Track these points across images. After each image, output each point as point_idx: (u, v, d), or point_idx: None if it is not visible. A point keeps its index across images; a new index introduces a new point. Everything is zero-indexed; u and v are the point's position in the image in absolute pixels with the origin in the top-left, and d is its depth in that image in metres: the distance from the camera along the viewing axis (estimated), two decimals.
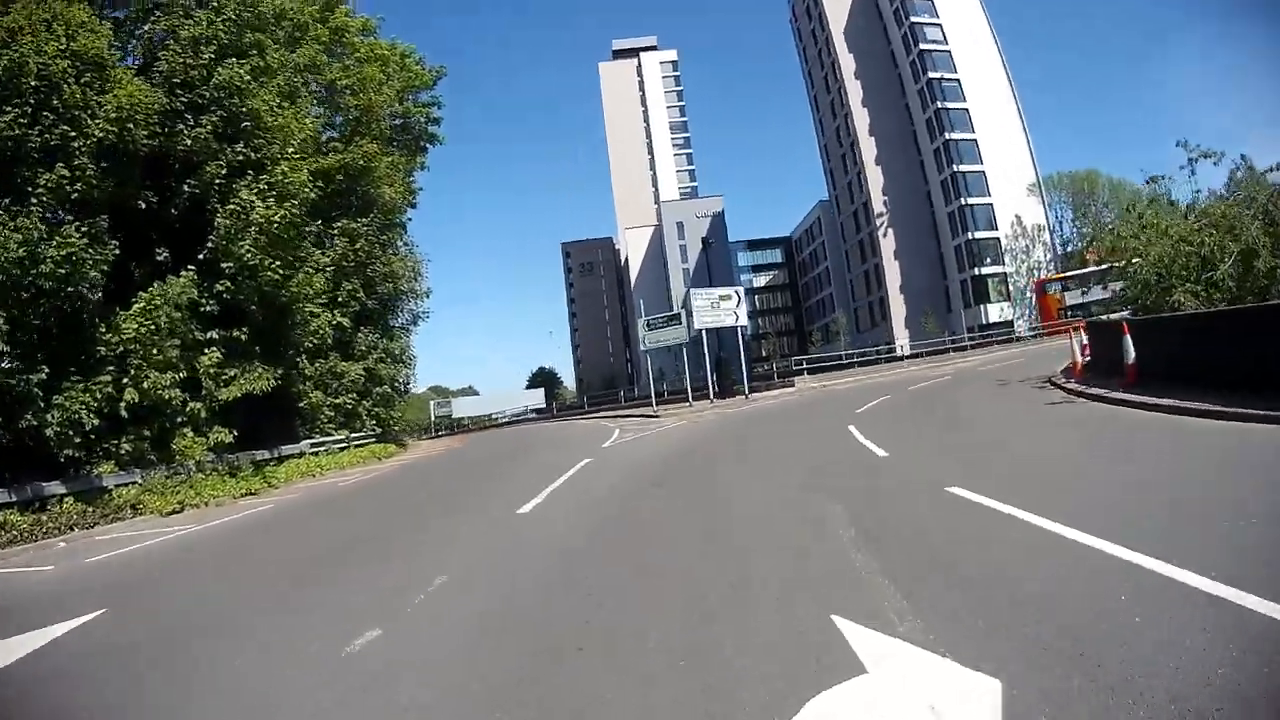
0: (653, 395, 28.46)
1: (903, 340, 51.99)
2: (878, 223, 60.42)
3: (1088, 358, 12.83)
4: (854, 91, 62.62)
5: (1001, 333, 45.56)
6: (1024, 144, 56.56)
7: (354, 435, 21.86)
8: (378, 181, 22.93)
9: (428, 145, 28.81)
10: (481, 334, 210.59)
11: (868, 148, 61.85)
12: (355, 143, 23.05)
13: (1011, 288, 54.43)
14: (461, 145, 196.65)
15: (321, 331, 19.01)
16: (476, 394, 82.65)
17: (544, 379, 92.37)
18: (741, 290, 27.12)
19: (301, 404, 19.44)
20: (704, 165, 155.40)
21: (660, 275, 73.51)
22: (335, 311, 21.75)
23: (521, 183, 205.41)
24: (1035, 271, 53.49)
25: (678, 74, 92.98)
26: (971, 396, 13.36)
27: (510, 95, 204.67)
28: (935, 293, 58.31)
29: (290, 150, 17.00)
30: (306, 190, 16.99)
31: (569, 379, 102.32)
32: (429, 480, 13.19)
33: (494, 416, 56.25)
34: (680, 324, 26.06)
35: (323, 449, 19.76)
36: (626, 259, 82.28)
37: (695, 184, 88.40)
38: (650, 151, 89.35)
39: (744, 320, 26.36)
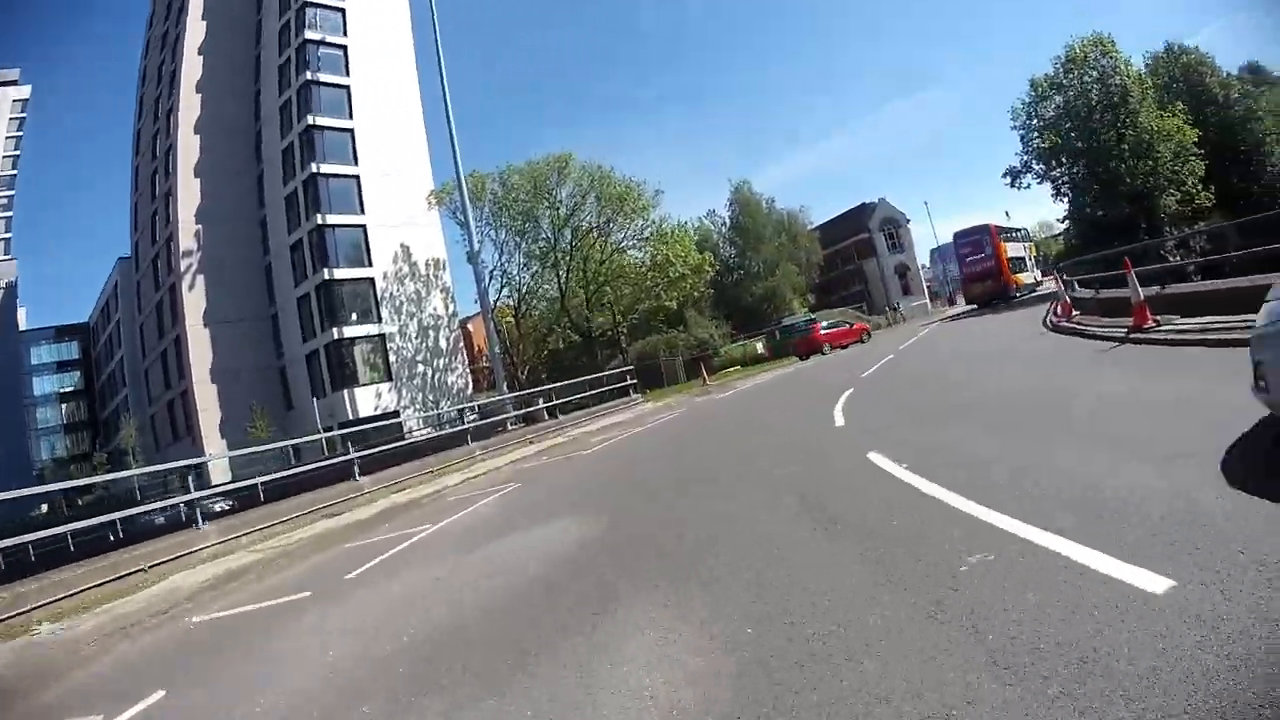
0: None
1: (215, 451, 27.82)
2: (182, 267, 34.71)
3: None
4: (190, 72, 37.49)
5: (388, 430, 22.80)
6: (425, 133, 38.14)
7: None
8: None
9: None
10: None
11: (187, 150, 36.28)
12: None
13: (394, 358, 33.36)
14: None
15: None
16: None
17: None
18: None
19: None
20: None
21: None
22: None
23: None
24: (431, 331, 35.17)
25: (24, 115, 64.47)
26: None
27: None
28: (269, 375, 35.64)
29: None
30: None
31: None
32: None
33: None
34: None
35: None
36: None
37: (13, 257, 58.95)
38: None
39: None
